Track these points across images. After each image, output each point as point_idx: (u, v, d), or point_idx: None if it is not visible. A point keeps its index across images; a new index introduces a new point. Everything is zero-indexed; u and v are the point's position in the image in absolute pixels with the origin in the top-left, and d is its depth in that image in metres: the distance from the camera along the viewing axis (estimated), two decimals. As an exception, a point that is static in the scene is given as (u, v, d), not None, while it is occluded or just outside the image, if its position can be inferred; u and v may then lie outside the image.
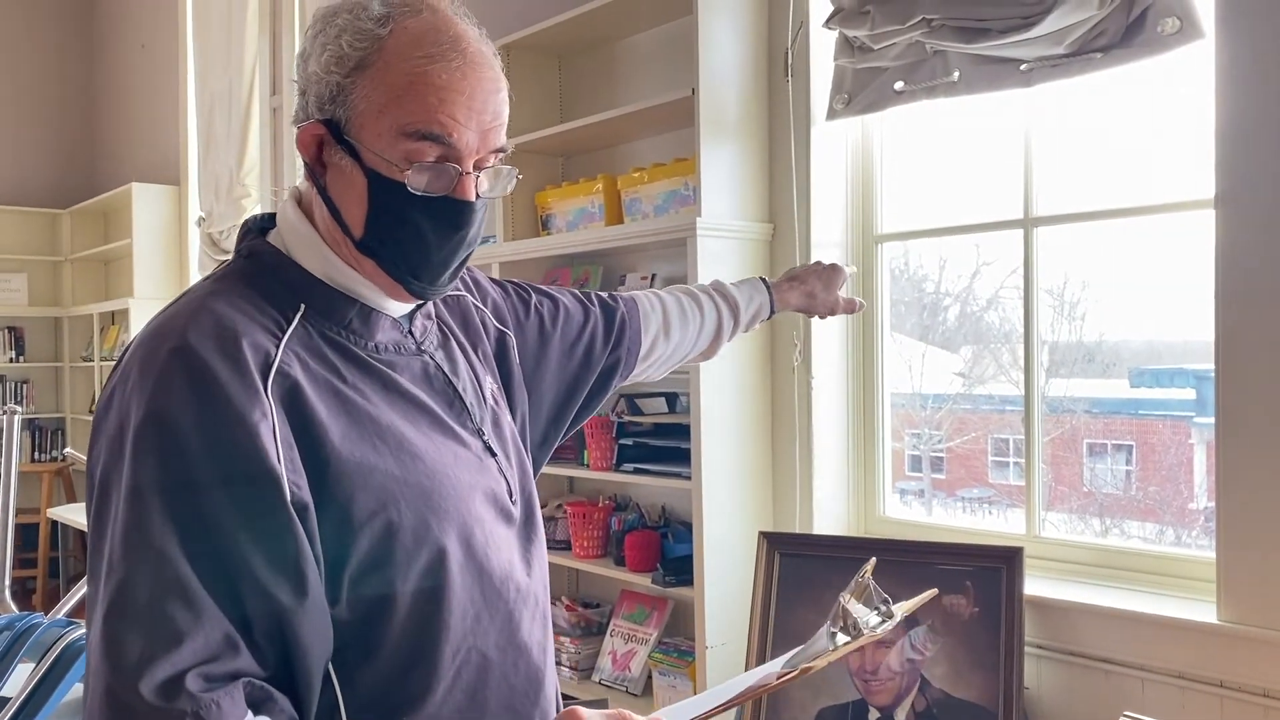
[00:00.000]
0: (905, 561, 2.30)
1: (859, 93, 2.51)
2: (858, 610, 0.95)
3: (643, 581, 2.79)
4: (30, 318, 6.51)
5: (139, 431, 0.86)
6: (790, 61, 2.65)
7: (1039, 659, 2.24)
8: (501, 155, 1.00)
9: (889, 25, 2.34)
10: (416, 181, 0.94)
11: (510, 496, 1.06)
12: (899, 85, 2.42)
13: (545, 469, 3.04)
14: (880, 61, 2.43)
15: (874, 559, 1.01)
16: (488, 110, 0.96)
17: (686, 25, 2.68)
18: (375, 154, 0.94)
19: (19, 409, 2.66)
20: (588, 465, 2.96)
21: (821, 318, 1.72)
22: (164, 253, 5.71)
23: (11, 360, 6.44)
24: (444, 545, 0.95)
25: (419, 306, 1.07)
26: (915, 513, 2.78)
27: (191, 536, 0.83)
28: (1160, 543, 2.38)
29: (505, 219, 3.23)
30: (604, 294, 1.45)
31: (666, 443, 2.78)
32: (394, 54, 0.93)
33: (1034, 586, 2.25)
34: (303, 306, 0.97)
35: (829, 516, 2.67)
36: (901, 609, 0.99)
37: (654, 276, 2.97)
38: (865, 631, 0.94)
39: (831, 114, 2.57)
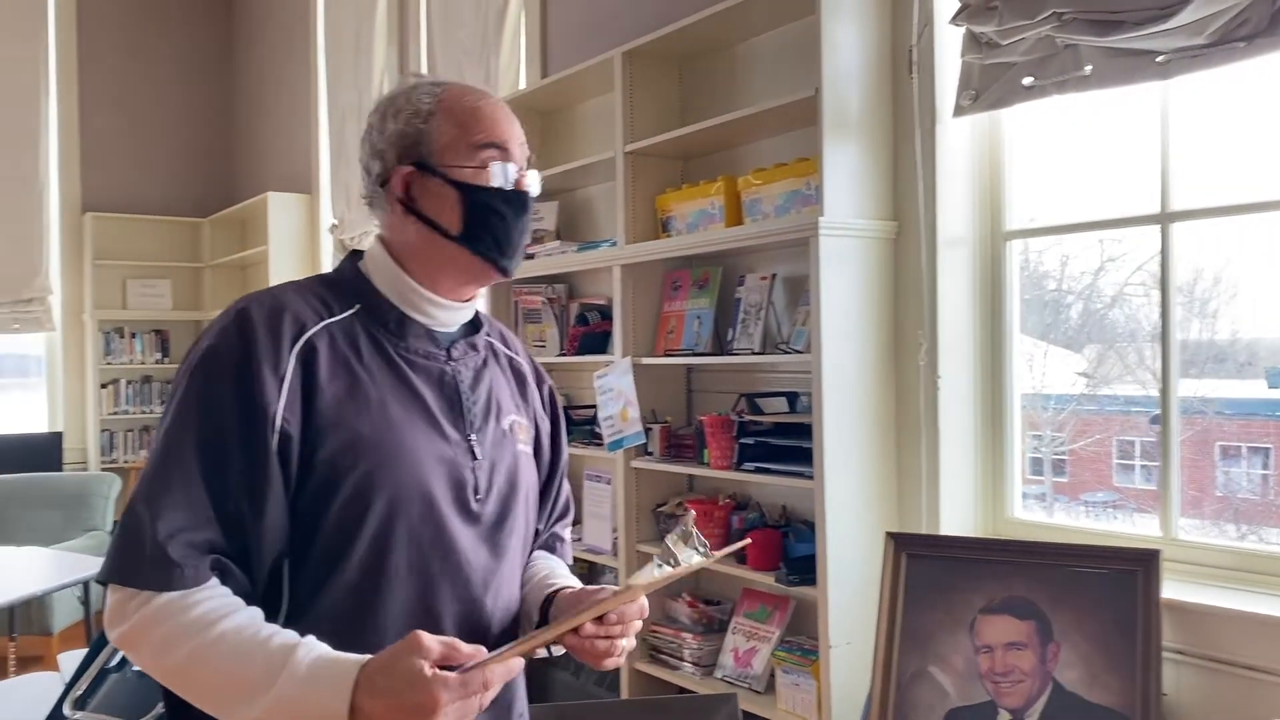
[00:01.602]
0: (1036, 564, 2.27)
1: (986, 89, 2.48)
2: (679, 549, 1.16)
3: (765, 580, 2.80)
4: (174, 321, 6.87)
5: (198, 360, 1.18)
6: (915, 59, 2.63)
7: (1178, 664, 2.18)
8: (532, 165, 1.36)
9: (1018, 20, 2.31)
10: (496, 175, 1.28)
11: (476, 494, 1.28)
12: (1028, 80, 2.39)
13: (665, 467, 3.11)
14: (1008, 57, 2.40)
15: (693, 512, 1.25)
16: (519, 131, 1.34)
17: (808, 25, 2.69)
18: (459, 168, 1.27)
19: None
20: (707, 464, 2.99)
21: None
22: (298, 258, 5.96)
23: (158, 361, 6.80)
24: (379, 494, 1.19)
25: (466, 335, 1.36)
26: (1036, 515, 2.72)
27: (204, 439, 1.14)
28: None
29: (626, 222, 3.28)
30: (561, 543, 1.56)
31: (787, 442, 2.79)
32: (451, 101, 1.30)
33: (1171, 590, 2.19)
34: (358, 305, 1.29)
35: (955, 517, 2.64)
36: (716, 554, 1.21)
37: (774, 276, 2.98)
38: (684, 564, 1.16)
39: (958, 110, 2.55)
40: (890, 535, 2.46)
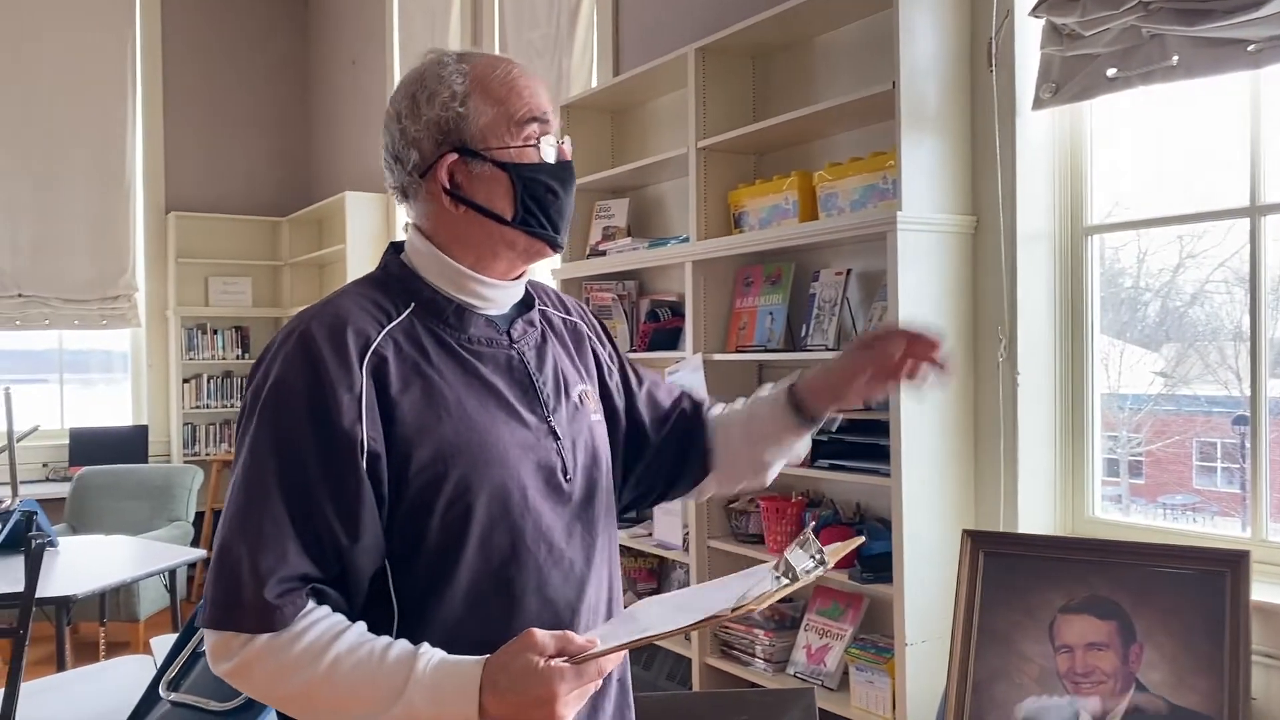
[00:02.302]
0: (1120, 563, 2.23)
1: (1067, 81, 2.44)
2: (797, 558, 1.09)
3: (838, 577, 2.79)
4: (254, 318, 7.04)
5: (267, 394, 1.15)
6: (994, 51, 2.60)
7: (1268, 668, 2.12)
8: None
9: (1102, 10, 2.27)
10: (548, 151, 1.24)
11: (565, 474, 1.26)
12: (1111, 72, 2.35)
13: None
14: (1091, 48, 2.36)
15: (813, 524, 1.13)
16: (549, 98, 1.28)
17: (885, 19, 2.67)
18: (505, 149, 1.22)
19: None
20: (782, 460, 2.98)
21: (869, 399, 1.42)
22: (374, 256, 6.06)
23: (239, 357, 6.98)
24: (479, 496, 1.17)
25: (521, 314, 1.32)
26: (1117, 517, 2.67)
27: (286, 474, 1.12)
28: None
29: (698, 218, 3.29)
30: (704, 409, 1.53)
31: (863, 439, 2.78)
32: (483, 78, 1.23)
33: (1261, 593, 2.14)
34: (413, 304, 1.24)
35: (1034, 516, 2.61)
36: (831, 555, 1.13)
37: (849, 272, 2.97)
38: (801, 576, 1.09)
39: (1038, 103, 2.51)
40: (968, 533, 2.43)
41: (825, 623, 2.97)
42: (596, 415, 1.37)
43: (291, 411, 1.13)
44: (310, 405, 1.13)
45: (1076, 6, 2.32)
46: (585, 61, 4.36)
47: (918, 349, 1.32)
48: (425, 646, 1.10)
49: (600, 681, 1.06)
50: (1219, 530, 2.40)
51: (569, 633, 1.06)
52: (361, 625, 1.13)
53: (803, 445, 1.49)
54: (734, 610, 1.04)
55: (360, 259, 6.01)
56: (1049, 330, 2.64)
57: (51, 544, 3.89)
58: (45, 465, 6.42)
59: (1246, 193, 2.31)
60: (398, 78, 5.84)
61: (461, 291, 1.26)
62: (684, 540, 3.39)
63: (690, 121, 3.31)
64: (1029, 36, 2.55)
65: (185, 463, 6.56)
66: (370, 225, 6.05)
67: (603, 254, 3.77)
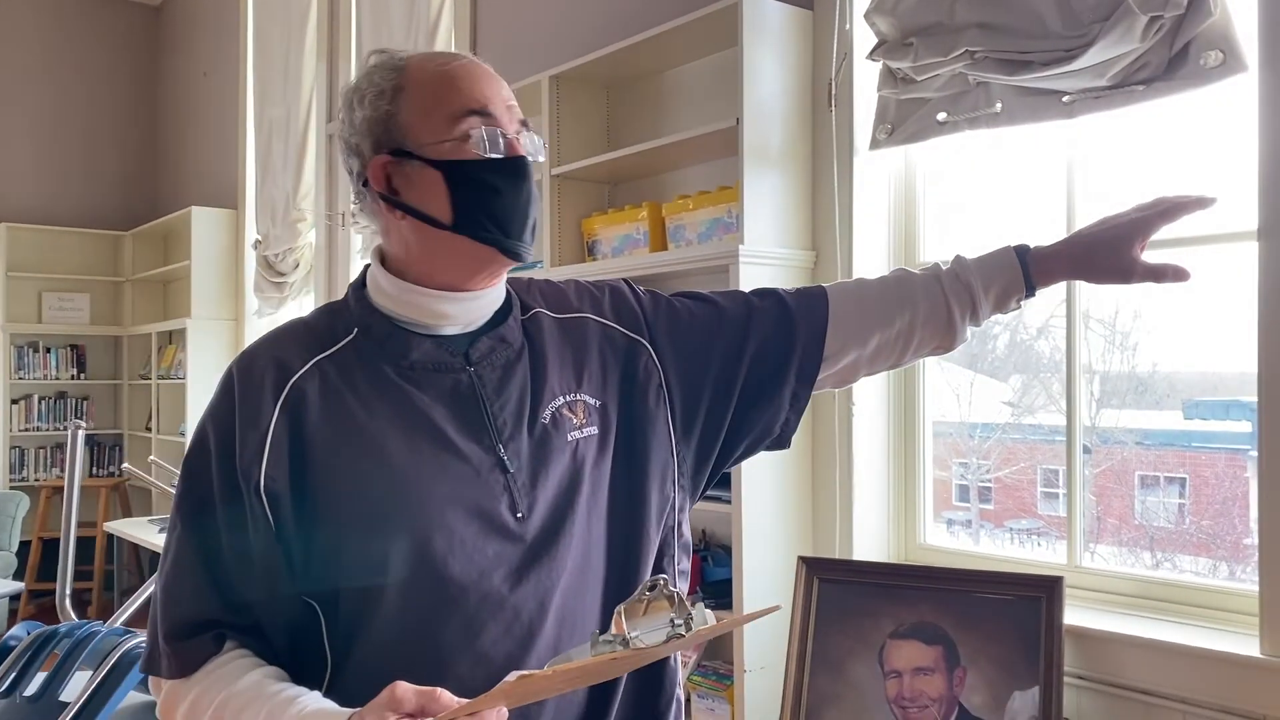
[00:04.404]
0: (945, 590, 2.31)
1: (902, 123, 2.54)
2: (634, 624, 0.94)
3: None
4: (92, 336, 6.70)
5: (192, 435, 1.14)
6: (834, 92, 2.68)
7: (1079, 689, 2.23)
8: (528, 129, 1.18)
9: (932, 57, 2.37)
10: (479, 144, 1.10)
11: (515, 512, 1.11)
12: (942, 116, 2.45)
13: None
14: (923, 93, 2.46)
15: (663, 576, 0.97)
16: (504, 89, 1.16)
17: (731, 57, 2.73)
18: (437, 145, 1.10)
19: (83, 424, 2.75)
20: (630, 488, 2.99)
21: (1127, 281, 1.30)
22: (221, 275, 5.86)
23: (73, 377, 6.62)
24: (393, 543, 1.07)
25: (489, 330, 1.17)
26: (962, 542, 2.77)
27: (194, 517, 1.10)
28: (1214, 578, 2.36)
29: (552, 244, 3.29)
30: (780, 290, 1.34)
31: (708, 467, 2.81)
32: (417, 70, 1.13)
33: (1076, 617, 2.24)
34: (355, 332, 1.16)
35: (869, 543, 2.68)
36: (698, 632, 0.94)
37: (697, 302, 3.00)
38: (633, 645, 0.92)
39: (874, 144, 2.60)
40: (803, 559, 2.48)
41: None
42: (584, 431, 1.19)
43: (204, 452, 1.10)
44: (217, 445, 1.10)
45: (910, 52, 2.42)
46: (443, 83, 4.31)
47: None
48: (305, 694, 1.04)
49: None
50: (1058, 554, 2.51)
51: (438, 691, 0.96)
52: (266, 671, 1.07)
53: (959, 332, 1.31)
54: (538, 673, 0.93)
55: (206, 276, 5.79)
56: (884, 362, 2.72)
57: None
58: None
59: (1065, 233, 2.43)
60: (251, 91, 5.70)
61: (412, 310, 1.15)
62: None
63: (544, 148, 3.30)
64: (867, 79, 2.64)
65: (11, 488, 6.17)
66: (218, 241, 5.84)
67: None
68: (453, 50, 1.18)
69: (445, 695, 0.95)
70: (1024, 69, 2.24)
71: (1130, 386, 2.51)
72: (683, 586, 1.24)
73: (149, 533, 4.95)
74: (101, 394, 6.80)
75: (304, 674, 1.10)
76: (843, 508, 2.65)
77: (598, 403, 1.21)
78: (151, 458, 3.82)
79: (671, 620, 0.94)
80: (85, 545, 6.22)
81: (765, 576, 2.60)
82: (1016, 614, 2.23)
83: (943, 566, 2.48)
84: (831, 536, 2.66)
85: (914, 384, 2.72)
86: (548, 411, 1.17)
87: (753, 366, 1.27)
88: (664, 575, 1.00)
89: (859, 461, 2.65)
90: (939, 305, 1.29)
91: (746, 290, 1.34)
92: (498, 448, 1.13)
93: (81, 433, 2.64)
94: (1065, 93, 2.22)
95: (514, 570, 1.10)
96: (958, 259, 1.32)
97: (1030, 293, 1.29)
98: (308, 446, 1.08)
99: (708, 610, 0.96)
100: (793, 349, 1.28)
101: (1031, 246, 1.30)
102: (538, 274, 3.27)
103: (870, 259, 2.69)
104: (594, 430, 1.19)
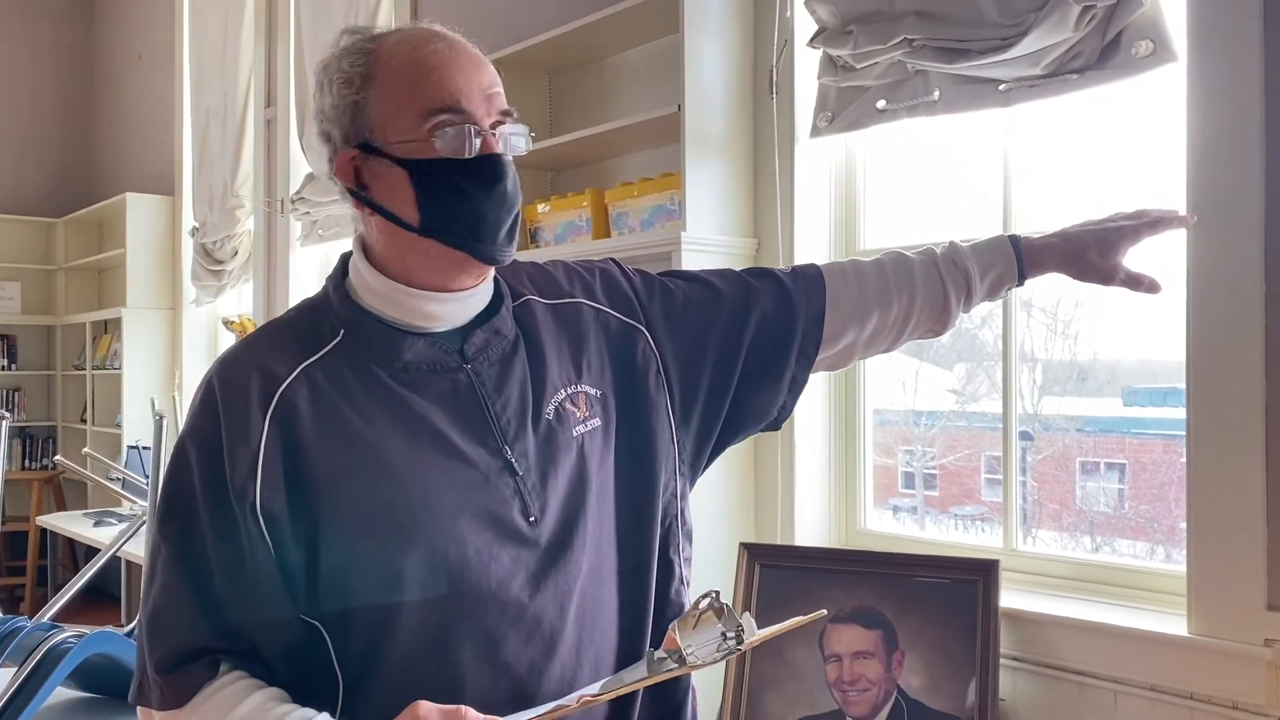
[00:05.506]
0: (884, 574, 2.33)
1: (842, 111, 2.54)
2: (687, 638, 0.94)
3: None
4: (23, 326, 6.52)
5: (173, 454, 1.07)
6: (775, 79, 2.69)
7: (1015, 671, 2.26)
8: (512, 118, 1.08)
9: (871, 45, 2.38)
10: (444, 146, 1.03)
11: (528, 516, 1.07)
12: (881, 104, 2.46)
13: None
14: (863, 80, 2.47)
15: (718, 590, 0.98)
16: (484, 77, 1.07)
17: (673, 43, 2.72)
18: (404, 144, 1.03)
19: (8, 415, 2.68)
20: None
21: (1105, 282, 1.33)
22: (157, 263, 5.73)
23: (4, 368, 6.45)
24: (404, 558, 1.02)
25: (481, 324, 1.11)
26: (907, 528, 2.80)
27: (182, 542, 1.03)
28: (1151, 561, 2.40)
29: (494, 232, 3.26)
30: (775, 269, 1.32)
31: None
32: (389, 56, 1.05)
33: (1012, 600, 2.28)
34: (342, 333, 1.08)
35: (810, 529, 2.70)
36: (755, 638, 0.96)
37: (640, 290, 3.00)
38: (689, 661, 0.94)
39: (815, 131, 2.61)
40: (744, 545, 2.49)
41: (614, 638, 2.98)
42: (589, 424, 1.14)
43: (185, 471, 1.03)
44: (201, 464, 1.02)
45: (849, 40, 2.43)
46: (384, 68, 4.25)
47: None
48: (315, 716, 1.00)
49: None
50: (996, 540, 2.54)
51: (463, 708, 0.93)
52: (269, 692, 1.03)
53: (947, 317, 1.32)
54: (599, 695, 0.94)
55: (142, 264, 5.67)
56: (826, 349, 2.73)
57: None
58: None
59: (1000, 223, 2.46)
60: (188, 75, 5.58)
61: (399, 310, 1.08)
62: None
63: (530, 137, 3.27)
64: (808, 66, 2.65)
65: (-61, 483, 6.00)
66: (154, 229, 5.71)
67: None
68: (432, 27, 1.09)
69: (471, 714, 0.92)
70: (961, 57, 2.26)
71: (1071, 374, 2.55)
72: (686, 573, 1.22)
73: (84, 526, 4.83)
74: (34, 385, 6.63)
75: (313, 696, 1.04)
76: (784, 494, 2.66)
77: (598, 393, 1.16)
78: (86, 450, 3.73)
79: (723, 634, 0.94)
80: (18, 540, 6.08)
81: (708, 563, 2.60)
82: (954, 598, 2.26)
83: (882, 551, 2.50)
84: (773, 522, 2.67)
85: (854, 372, 2.74)
86: (551, 407, 1.12)
87: (752, 350, 1.24)
88: (716, 589, 0.98)
89: (800, 448, 2.66)
90: (936, 289, 1.29)
91: (739, 269, 1.31)
92: (504, 449, 1.08)
93: (6, 424, 2.57)
94: (1001, 81, 2.24)
95: (532, 576, 1.06)
96: (952, 244, 1.32)
97: (1020, 282, 1.31)
98: (303, 461, 1.01)
99: (752, 620, 0.97)
100: (793, 332, 1.25)
101: (1023, 238, 1.31)
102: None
103: (812, 246, 2.70)
104: (597, 422, 1.15)
